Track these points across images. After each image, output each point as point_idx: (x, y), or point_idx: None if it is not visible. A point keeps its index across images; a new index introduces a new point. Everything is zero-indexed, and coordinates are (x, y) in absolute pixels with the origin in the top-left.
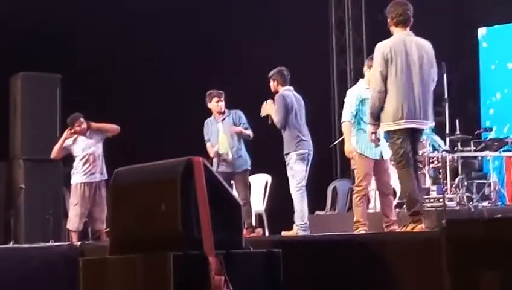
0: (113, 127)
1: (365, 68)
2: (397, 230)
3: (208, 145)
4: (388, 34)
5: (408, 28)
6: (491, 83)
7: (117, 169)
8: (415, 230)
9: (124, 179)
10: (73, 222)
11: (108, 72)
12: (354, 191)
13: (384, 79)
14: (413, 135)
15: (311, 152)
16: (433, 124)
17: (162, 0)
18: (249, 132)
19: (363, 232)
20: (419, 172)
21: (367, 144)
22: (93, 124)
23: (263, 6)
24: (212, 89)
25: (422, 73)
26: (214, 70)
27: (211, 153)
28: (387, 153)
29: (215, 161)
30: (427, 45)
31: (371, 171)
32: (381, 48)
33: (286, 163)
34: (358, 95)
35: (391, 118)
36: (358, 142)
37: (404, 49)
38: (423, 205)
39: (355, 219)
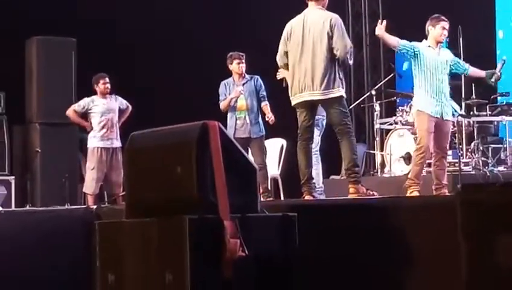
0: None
1: (427, 28)
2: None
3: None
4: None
5: (318, 3)
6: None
7: (133, 133)
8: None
9: (140, 143)
10: (89, 185)
11: (125, 37)
12: (415, 150)
13: (284, 55)
14: (314, 106)
15: (325, 117)
16: (339, 93)
17: None
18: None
19: (416, 192)
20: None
21: (426, 100)
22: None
23: None
24: (232, 51)
25: (318, 47)
26: (231, 34)
27: (224, 106)
28: (449, 112)
29: (229, 122)
30: (329, 19)
31: (432, 129)
32: (287, 25)
33: None
34: (415, 46)
35: (291, 93)
36: (416, 99)
37: (303, 25)
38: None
39: (409, 176)
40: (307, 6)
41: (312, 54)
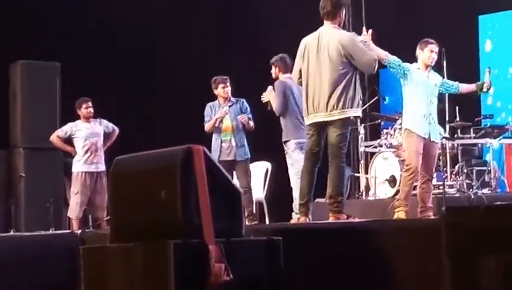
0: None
1: (417, 52)
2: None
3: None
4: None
5: (334, 21)
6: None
7: (117, 157)
8: (300, 221)
9: (124, 167)
10: (74, 210)
11: (110, 61)
12: (404, 171)
13: (300, 74)
14: (324, 128)
15: None
16: (356, 113)
17: None
18: (252, 124)
19: (402, 213)
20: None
21: (415, 119)
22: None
23: None
24: (216, 75)
25: (331, 67)
26: (215, 57)
27: (209, 127)
28: (436, 134)
29: (214, 144)
30: (344, 39)
31: (421, 150)
32: (301, 43)
33: (285, 151)
34: (405, 66)
35: (306, 113)
36: (405, 119)
37: (318, 43)
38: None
39: (397, 197)
40: (322, 23)
41: (326, 74)
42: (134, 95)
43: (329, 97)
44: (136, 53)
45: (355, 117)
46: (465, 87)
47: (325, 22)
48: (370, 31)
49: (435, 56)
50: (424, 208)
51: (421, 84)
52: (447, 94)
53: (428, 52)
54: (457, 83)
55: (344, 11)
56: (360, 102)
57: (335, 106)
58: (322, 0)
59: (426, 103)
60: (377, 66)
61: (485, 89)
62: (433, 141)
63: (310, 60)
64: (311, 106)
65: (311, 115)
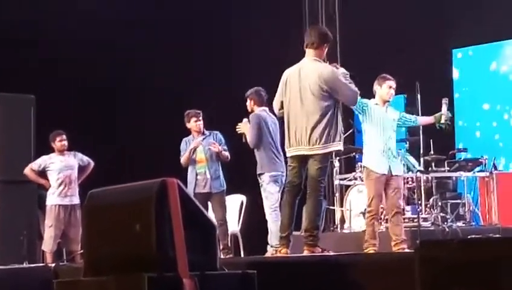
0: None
1: (374, 88)
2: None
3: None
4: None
5: (316, 52)
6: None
7: (91, 190)
8: (281, 253)
9: (98, 200)
10: (48, 243)
11: (85, 94)
12: (366, 212)
13: (281, 105)
14: (306, 161)
15: (285, 174)
16: (338, 147)
17: (131, 20)
18: (227, 154)
19: (372, 251)
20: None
21: (375, 156)
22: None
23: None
24: (191, 108)
25: (313, 100)
26: (191, 90)
27: (184, 160)
28: (398, 169)
29: (190, 176)
30: (324, 73)
31: (381, 190)
32: (284, 74)
33: (260, 183)
34: (364, 102)
35: (288, 144)
36: (365, 156)
37: (299, 75)
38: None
39: (365, 239)
40: (302, 56)
41: (308, 107)
42: (109, 128)
43: (312, 131)
44: (111, 87)
45: (335, 150)
46: (424, 120)
47: (307, 51)
48: (334, 64)
49: (393, 92)
50: (398, 240)
51: (379, 120)
52: (421, 127)
53: (386, 88)
54: (415, 116)
55: (327, 48)
56: (341, 135)
57: (317, 141)
58: (309, 28)
59: (385, 138)
60: (359, 99)
61: (443, 120)
62: (396, 175)
63: (292, 92)
64: (294, 139)
65: (293, 148)
